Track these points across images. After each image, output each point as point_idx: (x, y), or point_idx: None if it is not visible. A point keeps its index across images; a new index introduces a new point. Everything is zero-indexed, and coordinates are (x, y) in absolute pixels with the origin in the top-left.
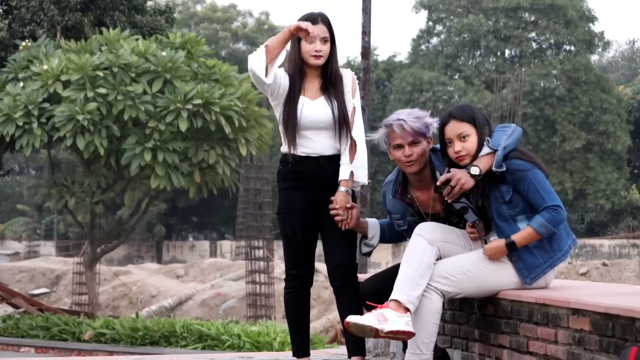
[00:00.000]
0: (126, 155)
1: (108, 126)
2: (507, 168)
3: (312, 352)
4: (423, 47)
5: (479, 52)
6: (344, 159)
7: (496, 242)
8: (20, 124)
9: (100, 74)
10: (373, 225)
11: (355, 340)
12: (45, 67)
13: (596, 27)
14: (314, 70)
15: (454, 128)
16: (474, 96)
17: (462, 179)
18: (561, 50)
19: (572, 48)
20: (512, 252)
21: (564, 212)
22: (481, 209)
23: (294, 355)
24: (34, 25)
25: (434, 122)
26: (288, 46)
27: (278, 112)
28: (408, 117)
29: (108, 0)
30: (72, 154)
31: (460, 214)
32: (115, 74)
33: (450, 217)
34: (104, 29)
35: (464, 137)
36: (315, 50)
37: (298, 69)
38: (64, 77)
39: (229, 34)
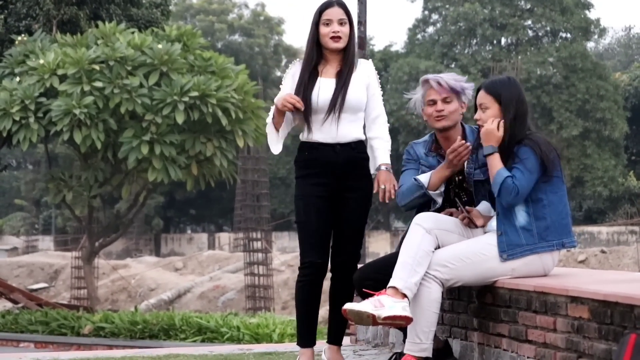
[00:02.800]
0: (123, 148)
1: (105, 120)
2: (515, 152)
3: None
4: (419, 36)
5: (475, 41)
6: (381, 143)
7: (497, 135)
8: (17, 118)
9: (97, 67)
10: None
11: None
12: (41, 61)
13: (592, 14)
14: (335, 54)
15: (480, 97)
16: None
17: (487, 132)
18: (557, 37)
19: (568, 35)
20: (488, 153)
21: (516, 199)
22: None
23: (298, 344)
24: (29, 20)
25: (469, 88)
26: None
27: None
28: (445, 75)
29: None
30: (69, 148)
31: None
32: (111, 68)
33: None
34: (99, 23)
35: (483, 108)
36: (333, 32)
37: (315, 53)
38: (60, 72)
39: (224, 25)
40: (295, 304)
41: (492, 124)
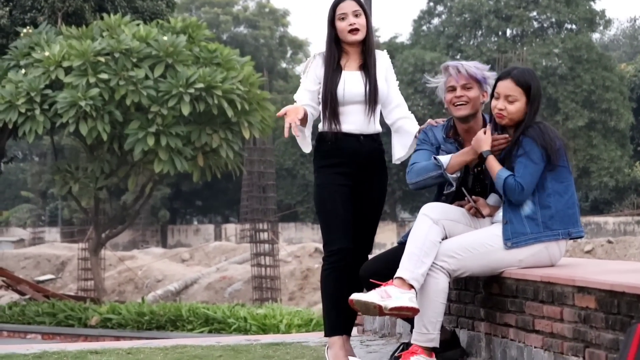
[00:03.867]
0: (129, 140)
1: (110, 111)
2: (520, 141)
3: (319, 333)
4: (424, 27)
5: (480, 32)
6: (409, 120)
7: (486, 139)
8: (23, 110)
9: (102, 59)
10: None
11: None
12: (46, 53)
13: (597, 5)
14: (355, 47)
15: (507, 87)
16: None
17: (476, 140)
18: (562, 28)
19: (574, 26)
20: (481, 159)
21: (521, 195)
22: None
23: (326, 334)
24: (34, 12)
25: (491, 76)
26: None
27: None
28: (467, 63)
29: None
30: (75, 140)
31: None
32: (116, 60)
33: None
34: (104, 15)
35: (510, 100)
36: (350, 25)
37: (333, 49)
38: (65, 64)
39: (230, 17)
40: (323, 292)
41: (480, 133)
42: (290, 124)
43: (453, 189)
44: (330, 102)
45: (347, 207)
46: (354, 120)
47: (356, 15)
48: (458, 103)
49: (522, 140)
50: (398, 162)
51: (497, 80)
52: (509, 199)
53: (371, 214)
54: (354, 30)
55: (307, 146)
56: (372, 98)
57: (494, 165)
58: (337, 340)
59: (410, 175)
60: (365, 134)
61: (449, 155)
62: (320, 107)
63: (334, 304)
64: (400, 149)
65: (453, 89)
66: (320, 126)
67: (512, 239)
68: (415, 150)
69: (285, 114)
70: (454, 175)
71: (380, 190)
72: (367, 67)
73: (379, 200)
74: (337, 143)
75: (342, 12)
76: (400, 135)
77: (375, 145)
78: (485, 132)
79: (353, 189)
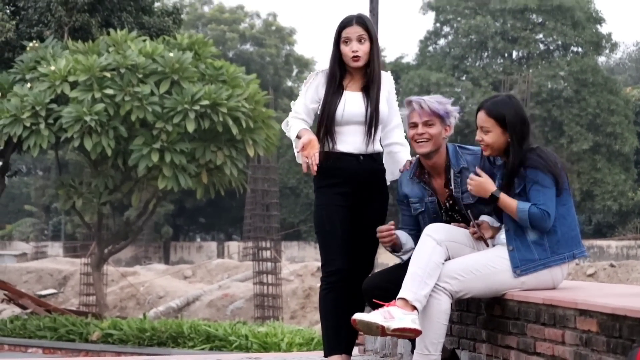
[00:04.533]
0: (133, 156)
1: (115, 127)
2: (524, 174)
3: (320, 352)
4: (430, 48)
5: (486, 54)
6: (402, 147)
7: (486, 181)
8: (28, 124)
9: (108, 75)
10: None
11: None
12: (52, 68)
13: (604, 29)
14: (359, 70)
15: (481, 119)
16: (481, 98)
17: (478, 187)
18: (568, 51)
19: (580, 49)
20: (492, 202)
21: (549, 222)
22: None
23: (326, 354)
24: (41, 26)
25: (454, 111)
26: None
27: (317, 109)
28: (429, 98)
29: (115, 1)
30: (80, 155)
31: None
32: (122, 75)
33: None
34: (111, 30)
35: (485, 131)
36: (353, 51)
37: (335, 71)
38: (71, 78)
39: (236, 35)
40: (321, 312)
41: (476, 179)
42: (309, 158)
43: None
44: (327, 122)
45: (346, 228)
46: (353, 141)
47: (360, 41)
48: (420, 140)
49: (526, 172)
50: (388, 183)
51: (477, 111)
52: (536, 229)
53: (371, 235)
54: (355, 58)
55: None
56: (372, 120)
57: (509, 201)
58: (336, 359)
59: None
60: (364, 154)
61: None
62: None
63: (332, 324)
64: (389, 175)
65: (415, 125)
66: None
67: (520, 266)
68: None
69: (303, 148)
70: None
71: (381, 210)
72: (369, 89)
73: (379, 221)
74: (336, 163)
75: (346, 36)
76: (392, 161)
77: (375, 166)
78: (480, 175)
79: (352, 209)
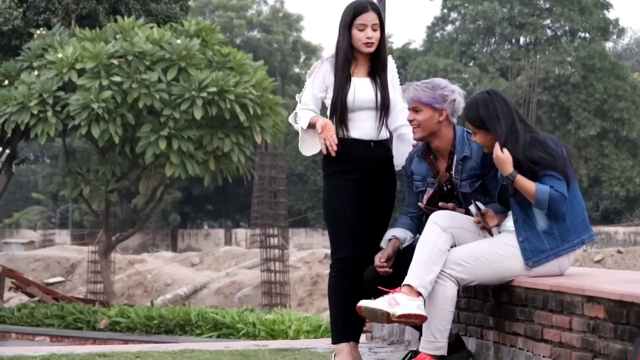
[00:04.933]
0: (141, 143)
1: (123, 114)
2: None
3: (328, 339)
4: (438, 34)
5: (493, 40)
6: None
7: (509, 160)
8: (35, 112)
9: (115, 62)
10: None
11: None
12: (60, 55)
13: (611, 14)
14: (365, 55)
15: (467, 123)
16: (488, 83)
17: (501, 162)
18: (576, 37)
19: (587, 35)
20: (509, 181)
21: (564, 205)
22: (502, 189)
23: (334, 341)
24: (48, 14)
25: (451, 94)
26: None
27: (328, 99)
28: (421, 84)
29: None
30: (87, 143)
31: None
32: (130, 62)
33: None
34: (118, 17)
35: (474, 132)
36: (367, 38)
37: (349, 55)
38: (78, 66)
39: (243, 21)
40: (330, 299)
41: (498, 150)
42: (326, 140)
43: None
44: (340, 109)
45: (356, 215)
46: (364, 127)
47: (374, 29)
48: (412, 126)
49: (534, 169)
50: (398, 169)
51: None
52: (552, 213)
53: (380, 222)
54: (369, 44)
55: (310, 150)
56: (383, 105)
57: (526, 183)
58: (344, 347)
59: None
60: (375, 140)
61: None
62: (328, 113)
63: (341, 311)
64: (400, 158)
65: (409, 110)
66: None
67: (532, 258)
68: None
69: (321, 130)
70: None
71: (389, 197)
72: (376, 74)
73: (388, 208)
74: (348, 149)
75: (362, 22)
76: (401, 143)
77: (384, 152)
78: (502, 152)
79: (362, 195)
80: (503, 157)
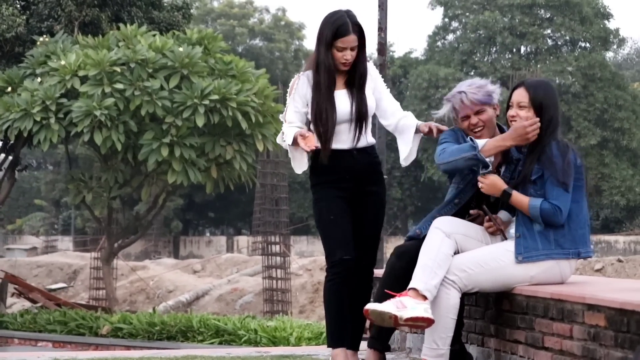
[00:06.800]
0: (143, 150)
1: (125, 121)
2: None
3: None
4: (439, 43)
5: (494, 49)
6: (409, 117)
7: (497, 179)
8: (38, 119)
9: (118, 69)
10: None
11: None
12: (62, 62)
13: (611, 24)
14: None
15: (520, 94)
16: None
17: (489, 186)
18: (576, 47)
19: (588, 45)
20: (504, 200)
21: (561, 217)
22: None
23: (330, 345)
24: (51, 21)
25: (495, 89)
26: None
27: (308, 113)
28: (468, 88)
29: None
30: (90, 150)
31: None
32: (132, 70)
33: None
34: (121, 25)
35: (521, 107)
36: (345, 59)
37: (333, 74)
38: (81, 73)
39: (245, 30)
40: (326, 303)
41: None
42: (307, 142)
43: (489, 170)
44: (325, 120)
45: (346, 217)
46: (345, 139)
47: (352, 50)
48: (476, 129)
49: (545, 163)
50: (405, 164)
51: (513, 89)
52: (549, 224)
53: (372, 227)
54: (345, 64)
55: (302, 166)
56: (359, 116)
57: (521, 198)
58: (340, 352)
59: (443, 156)
60: (358, 148)
61: (485, 139)
62: (312, 127)
63: (337, 316)
64: (404, 147)
65: (467, 117)
66: None
67: (523, 253)
68: (444, 142)
69: (302, 139)
70: (488, 159)
71: (379, 202)
72: (353, 85)
73: (379, 213)
74: (332, 160)
75: (342, 45)
76: (401, 134)
77: (369, 158)
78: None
79: (351, 202)
80: (493, 178)
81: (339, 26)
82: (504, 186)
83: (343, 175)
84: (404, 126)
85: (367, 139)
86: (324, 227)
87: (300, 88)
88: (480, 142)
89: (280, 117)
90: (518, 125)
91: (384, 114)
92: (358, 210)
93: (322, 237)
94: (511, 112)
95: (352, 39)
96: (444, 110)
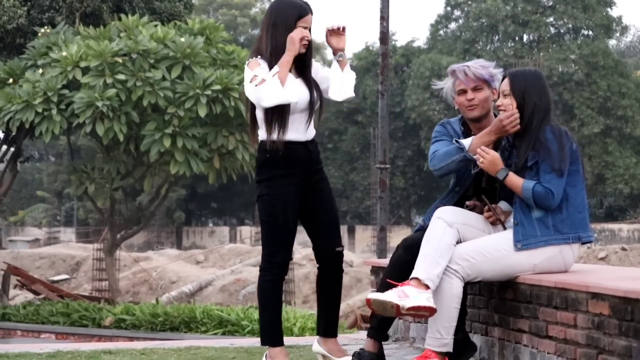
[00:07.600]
0: (145, 141)
1: (127, 112)
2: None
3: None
4: (441, 32)
5: (497, 37)
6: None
7: (497, 157)
8: (40, 110)
9: (119, 60)
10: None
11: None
12: (64, 53)
13: (614, 12)
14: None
15: (504, 84)
16: None
17: (488, 163)
18: (579, 35)
19: (590, 33)
20: (500, 179)
21: (553, 201)
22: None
23: (270, 344)
24: (52, 12)
25: (498, 73)
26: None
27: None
28: (473, 64)
29: None
30: (92, 141)
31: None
32: (134, 60)
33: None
34: (122, 16)
35: (505, 95)
36: (307, 39)
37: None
38: (83, 64)
39: (247, 19)
40: (263, 304)
41: (489, 153)
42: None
43: (476, 170)
44: (281, 111)
45: (296, 220)
46: (299, 128)
47: (310, 30)
48: (470, 105)
49: (539, 148)
50: (339, 99)
51: (502, 78)
52: (541, 207)
53: (331, 212)
54: (306, 44)
55: (295, 93)
56: (312, 104)
57: (515, 180)
58: (280, 350)
59: (434, 162)
60: (310, 140)
61: (470, 138)
62: (263, 116)
63: (276, 315)
64: (334, 82)
65: (463, 91)
66: (262, 135)
67: (522, 240)
68: (435, 142)
69: (296, 38)
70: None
71: (328, 186)
72: (306, 76)
73: (331, 196)
74: (288, 152)
75: (304, 24)
76: (330, 74)
77: (317, 150)
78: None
79: (303, 197)
80: (494, 156)
81: (300, 5)
82: (502, 166)
83: (298, 169)
84: (331, 70)
85: (314, 130)
86: (273, 227)
87: (264, 67)
88: (466, 142)
89: (247, 85)
90: (496, 119)
91: (326, 80)
92: (312, 203)
93: (267, 235)
94: (498, 102)
95: (311, 18)
96: (446, 83)
